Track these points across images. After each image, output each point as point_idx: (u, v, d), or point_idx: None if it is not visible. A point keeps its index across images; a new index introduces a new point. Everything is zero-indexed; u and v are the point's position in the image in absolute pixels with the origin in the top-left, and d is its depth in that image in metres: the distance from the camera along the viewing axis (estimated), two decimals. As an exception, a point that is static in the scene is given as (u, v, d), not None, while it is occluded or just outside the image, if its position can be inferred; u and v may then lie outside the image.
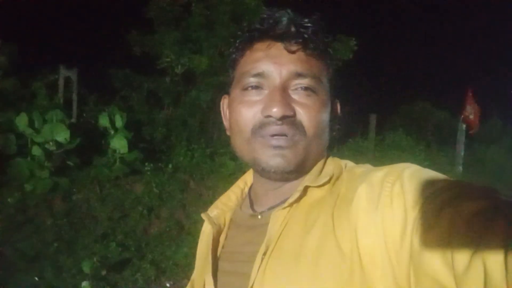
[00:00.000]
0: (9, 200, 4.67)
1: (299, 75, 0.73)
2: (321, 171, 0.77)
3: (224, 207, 0.89)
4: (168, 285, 4.06)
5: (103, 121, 6.07)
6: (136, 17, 7.62)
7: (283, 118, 0.71)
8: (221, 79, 7.27)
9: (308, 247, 0.66)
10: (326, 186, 0.74)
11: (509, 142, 11.77)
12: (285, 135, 0.72)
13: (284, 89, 0.73)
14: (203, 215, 0.86)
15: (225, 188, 0.94)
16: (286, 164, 0.72)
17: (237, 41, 0.80)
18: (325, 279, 0.62)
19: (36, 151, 5.20)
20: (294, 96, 0.73)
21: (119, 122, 6.01)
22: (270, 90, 0.73)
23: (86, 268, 3.91)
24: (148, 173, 5.67)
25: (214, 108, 6.99)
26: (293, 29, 0.74)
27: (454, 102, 9.86)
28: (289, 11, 0.76)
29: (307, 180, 0.74)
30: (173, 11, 7.45)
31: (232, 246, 0.81)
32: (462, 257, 0.48)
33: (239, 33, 0.80)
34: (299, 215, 0.71)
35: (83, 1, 9.50)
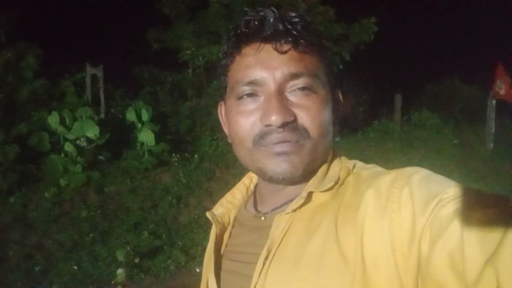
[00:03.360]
0: (46, 195, 4.93)
1: (293, 75, 0.69)
2: (326, 174, 0.74)
3: (229, 205, 0.87)
4: (198, 270, 4.22)
5: (130, 115, 6.28)
6: (153, 14, 7.75)
7: (284, 125, 0.68)
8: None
9: (309, 253, 0.65)
10: (331, 190, 0.71)
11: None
12: (288, 141, 0.69)
13: (280, 94, 0.69)
14: (208, 214, 0.85)
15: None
16: (293, 170, 0.69)
17: (225, 46, 0.75)
18: (326, 285, 0.61)
19: (68, 147, 5.46)
20: (292, 98, 0.70)
21: (145, 116, 6.20)
22: (266, 97, 0.70)
23: (121, 256, 4.12)
24: (176, 163, 5.84)
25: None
26: (281, 27, 0.69)
27: (484, 76, 9.51)
28: (273, 8, 0.71)
29: (310, 185, 0.72)
30: (187, 3, 7.52)
31: (235, 245, 0.80)
32: (474, 266, 0.47)
33: (225, 37, 0.76)
34: (301, 220, 0.69)
35: (104, 2, 9.73)
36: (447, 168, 6.90)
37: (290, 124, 0.68)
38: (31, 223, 4.57)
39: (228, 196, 0.88)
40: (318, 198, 0.71)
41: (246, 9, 0.74)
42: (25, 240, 4.32)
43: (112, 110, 6.88)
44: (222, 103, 0.83)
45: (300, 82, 0.69)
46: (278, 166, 0.69)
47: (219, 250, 0.81)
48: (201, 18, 7.53)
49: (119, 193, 5.33)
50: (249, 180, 0.90)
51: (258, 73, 0.69)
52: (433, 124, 8.99)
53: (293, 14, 0.71)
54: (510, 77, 9.05)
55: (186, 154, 6.09)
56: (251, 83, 0.70)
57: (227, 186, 5.67)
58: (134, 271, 4.06)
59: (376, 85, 10.12)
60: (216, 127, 6.77)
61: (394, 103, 9.28)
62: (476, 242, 0.48)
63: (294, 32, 0.69)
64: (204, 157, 6.11)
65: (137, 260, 4.18)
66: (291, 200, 0.72)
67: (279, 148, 0.69)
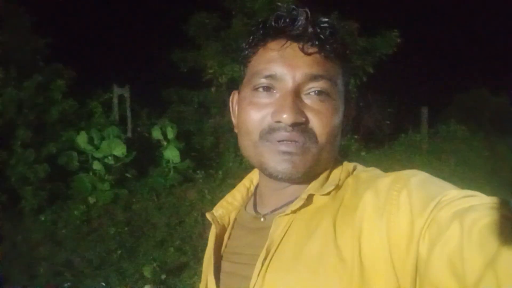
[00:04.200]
0: (75, 213, 5.03)
1: (313, 77, 0.69)
2: (327, 178, 0.74)
3: (229, 206, 0.86)
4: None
5: (156, 133, 6.39)
6: (179, 35, 7.93)
7: (294, 125, 0.68)
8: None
9: (308, 253, 0.65)
10: (331, 193, 0.71)
11: None
12: (295, 141, 0.69)
13: (296, 94, 0.69)
14: (207, 215, 0.84)
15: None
16: (294, 171, 0.70)
17: (251, 37, 0.75)
18: (324, 286, 0.62)
19: (96, 166, 5.59)
20: (307, 101, 0.70)
21: (170, 134, 6.30)
22: (282, 94, 0.70)
23: (147, 273, 4.14)
24: (200, 180, 5.88)
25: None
26: (310, 29, 0.70)
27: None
28: (307, 10, 0.71)
29: (311, 187, 0.72)
30: (212, 23, 7.66)
31: (234, 247, 0.80)
32: (474, 268, 0.47)
33: (252, 28, 0.75)
34: (301, 222, 0.69)
35: (131, 24, 10.05)
36: (478, 181, 6.69)
37: (300, 126, 0.69)
38: (61, 240, 4.66)
39: (228, 198, 0.88)
40: (319, 200, 0.71)
41: (279, 4, 0.75)
42: (55, 257, 4.39)
43: (138, 129, 7.02)
44: (235, 92, 0.83)
45: (318, 85, 0.70)
46: (280, 164, 0.69)
47: (219, 252, 0.81)
48: (224, 37, 7.65)
49: (146, 210, 5.39)
50: (249, 181, 0.90)
51: (279, 69, 0.70)
52: (461, 136, 8.77)
53: (324, 19, 0.72)
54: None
55: (210, 171, 6.13)
56: (270, 76, 0.70)
57: (252, 201, 5.68)
58: (160, 287, 4.06)
59: (401, 98, 9.99)
60: (240, 143, 6.80)
61: (420, 115, 9.11)
62: (476, 245, 0.48)
63: (322, 37, 0.70)
64: (228, 173, 6.13)
65: (163, 277, 4.18)
66: (291, 202, 0.72)
67: (284, 147, 0.69)
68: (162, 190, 5.73)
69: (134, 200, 5.53)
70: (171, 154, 6.11)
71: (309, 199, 0.71)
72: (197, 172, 6.01)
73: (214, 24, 7.78)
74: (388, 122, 9.30)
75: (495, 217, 0.49)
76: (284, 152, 0.69)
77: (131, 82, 7.04)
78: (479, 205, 0.53)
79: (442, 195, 0.56)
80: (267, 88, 0.71)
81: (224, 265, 0.78)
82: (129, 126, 6.79)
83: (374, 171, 0.74)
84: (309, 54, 0.70)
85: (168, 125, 6.49)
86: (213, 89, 8.01)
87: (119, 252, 4.52)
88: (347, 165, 0.78)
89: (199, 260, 4.57)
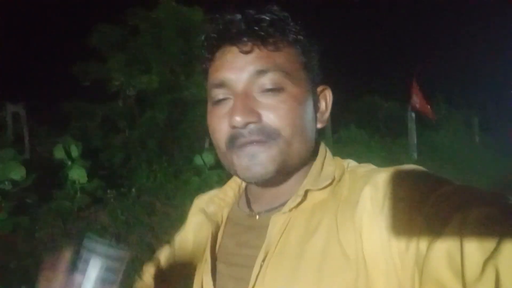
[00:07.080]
0: (-34, 248, 4.47)
1: (259, 72, 0.68)
2: (320, 172, 0.73)
3: (221, 202, 0.84)
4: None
5: (58, 153, 5.92)
6: (80, 47, 7.52)
7: (246, 125, 0.67)
8: (175, 96, 7.28)
9: (310, 252, 0.64)
10: (328, 188, 0.70)
11: (455, 125, 12.43)
12: (255, 142, 0.67)
13: (246, 95, 0.68)
14: (199, 212, 0.82)
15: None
16: (263, 172, 0.68)
17: (202, 51, 0.75)
18: (329, 285, 0.60)
19: (-10, 193, 5.01)
20: (261, 98, 0.68)
21: (74, 152, 5.89)
22: (234, 99, 0.69)
23: (59, 306, 3.81)
24: (112, 200, 5.58)
25: (172, 126, 6.97)
26: (243, 27, 0.69)
27: (402, 91, 10.28)
28: (244, 10, 0.71)
29: (306, 183, 0.71)
30: (117, 35, 7.40)
31: (229, 246, 0.77)
32: (473, 264, 0.47)
33: (204, 43, 0.75)
34: (300, 220, 0.68)
35: (25, 35, 9.23)
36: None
37: (255, 125, 0.67)
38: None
39: (219, 193, 0.85)
40: (315, 196, 0.70)
41: (217, 16, 0.73)
42: None
43: (37, 149, 6.46)
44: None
45: (267, 79, 0.68)
46: (248, 170, 0.68)
47: (214, 251, 0.78)
48: (130, 47, 7.41)
49: (52, 238, 4.96)
50: None
51: (225, 75, 0.69)
52: (360, 139, 9.47)
53: (262, 12, 0.70)
54: (423, 91, 9.87)
55: (122, 189, 5.84)
56: (220, 85, 0.70)
57: (170, 218, 5.52)
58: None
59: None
60: (152, 157, 6.59)
61: (323, 122, 9.65)
62: (475, 240, 0.48)
63: (258, 31, 0.68)
64: (142, 190, 5.91)
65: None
66: (285, 201, 0.71)
67: (248, 150, 0.68)
68: (68, 214, 5.32)
69: (37, 227, 5.05)
70: (77, 174, 5.71)
71: (305, 195, 0.70)
72: (107, 191, 5.70)
73: (119, 35, 7.50)
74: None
75: (494, 211, 0.50)
76: (248, 155, 0.68)
77: (26, 98, 6.46)
78: (479, 199, 0.53)
79: (441, 190, 0.57)
80: (224, 99, 0.71)
81: (219, 266, 0.76)
82: (27, 146, 6.22)
83: (369, 166, 0.74)
84: (247, 52, 0.68)
85: (72, 142, 6.06)
86: (120, 102, 7.69)
87: (24, 287, 4.09)
88: (340, 161, 0.78)
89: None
